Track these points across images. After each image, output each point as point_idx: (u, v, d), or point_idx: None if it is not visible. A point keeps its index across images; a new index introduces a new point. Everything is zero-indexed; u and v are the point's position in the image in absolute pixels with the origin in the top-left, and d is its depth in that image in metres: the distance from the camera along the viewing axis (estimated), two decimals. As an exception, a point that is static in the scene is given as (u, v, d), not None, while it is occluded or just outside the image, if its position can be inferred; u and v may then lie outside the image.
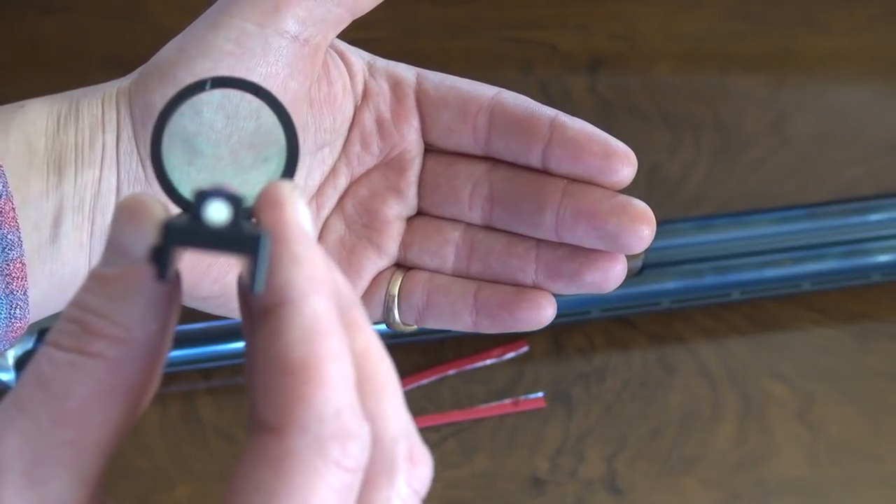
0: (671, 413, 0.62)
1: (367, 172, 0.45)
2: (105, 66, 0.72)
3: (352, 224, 0.44)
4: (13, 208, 0.38)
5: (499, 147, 0.43)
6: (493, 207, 0.43)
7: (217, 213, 0.26)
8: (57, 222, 0.40)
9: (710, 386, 0.63)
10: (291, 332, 0.26)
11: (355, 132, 0.44)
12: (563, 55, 0.74)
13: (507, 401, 0.62)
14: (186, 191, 0.29)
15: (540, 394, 0.63)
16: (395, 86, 0.44)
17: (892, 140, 0.72)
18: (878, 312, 0.66)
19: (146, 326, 0.27)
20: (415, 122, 0.44)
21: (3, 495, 0.26)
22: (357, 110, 0.44)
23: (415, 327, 0.45)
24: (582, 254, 0.42)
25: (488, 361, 0.64)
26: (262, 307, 0.27)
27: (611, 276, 0.42)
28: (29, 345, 0.58)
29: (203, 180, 0.39)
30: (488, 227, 0.44)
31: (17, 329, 0.40)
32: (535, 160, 0.42)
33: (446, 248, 0.44)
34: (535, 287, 0.43)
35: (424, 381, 0.63)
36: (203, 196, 0.26)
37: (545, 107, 0.42)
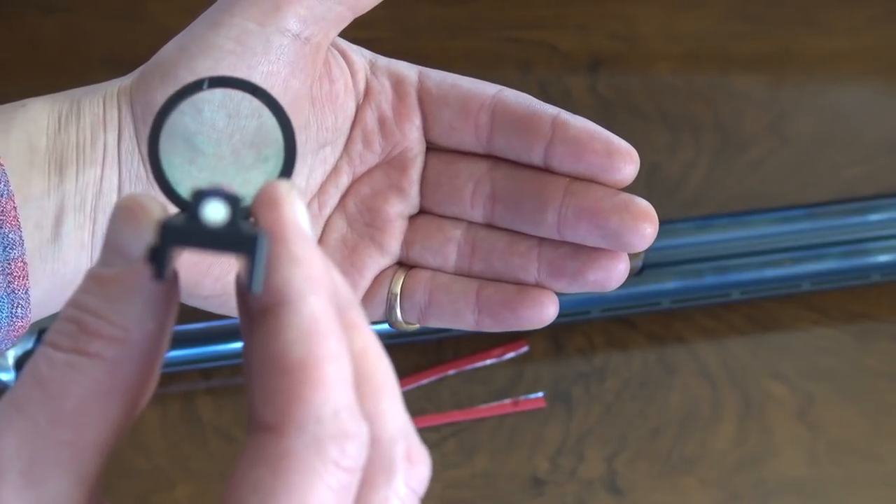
0: (671, 413, 0.62)
1: (369, 171, 0.45)
2: (105, 66, 0.72)
3: (354, 223, 0.44)
4: (14, 207, 0.38)
5: (501, 145, 0.43)
6: (495, 206, 0.43)
7: (215, 212, 0.26)
8: (58, 221, 0.40)
9: (710, 386, 0.63)
10: (290, 333, 0.26)
11: (357, 131, 0.44)
12: (563, 55, 0.74)
13: (507, 401, 0.62)
14: (187, 190, 0.29)
15: (540, 394, 0.63)
16: (397, 84, 0.44)
17: (892, 140, 0.72)
18: (878, 312, 0.66)
19: (144, 326, 0.27)
20: (417, 121, 0.44)
21: (2, 495, 0.26)
22: (359, 109, 0.44)
23: (417, 326, 0.45)
24: (584, 252, 0.42)
25: (488, 361, 0.64)
26: (260, 307, 0.27)
27: (613, 274, 0.42)
28: (29, 345, 0.58)
29: (204, 179, 0.39)
30: (490, 226, 0.44)
31: (19, 328, 0.40)
32: (537, 158, 0.42)
33: (448, 247, 0.44)
34: (538, 286, 0.43)
35: (424, 381, 0.63)
36: (201, 196, 0.26)
37: (547, 105, 0.42)
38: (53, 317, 0.41)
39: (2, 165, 0.38)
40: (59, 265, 0.40)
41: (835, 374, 0.64)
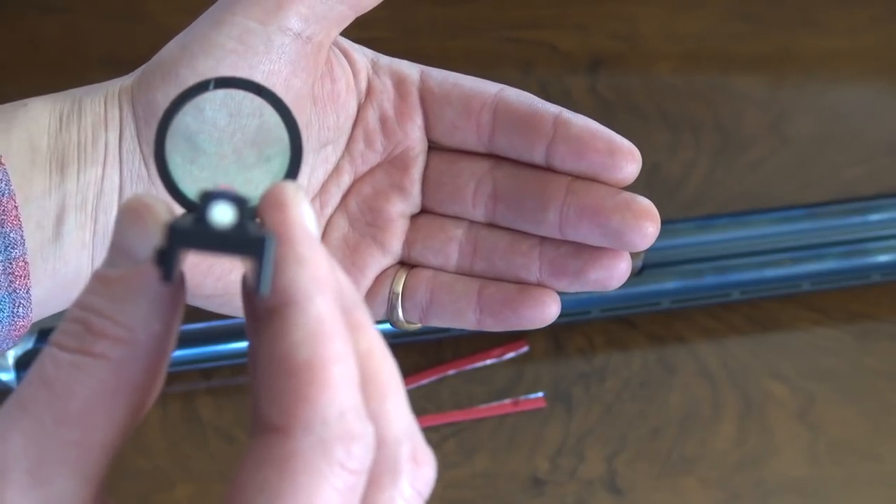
0: (671, 413, 0.62)
1: (371, 170, 0.45)
2: (105, 65, 0.72)
3: (355, 222, 0.44)
4: (16, 206, 0.38)
5: (502, 144, 0.43)
6: (496, 205, 0.43)
7: (222, 215, 0.26)
8: (59, 221, 0.40)
9: (710, 386, 0.63)
10: (296, 333, 0.26)
11: (359, 130, 0.44)
12: (563, 55, 0.74)
13: (507, 401, 0.62)
14: (189, 190, 0.29)
15: (540, 394, 0.63)
16: (399, 83, 0.44)
17: (892, 140, 0.72)
18: (878, 312, 0.66)
19: (150, 327, 0.27)
20: (418, 120, 0.44)
21: (9, 494, 0.26)
22: (361, 108, 0.44)
23: (418, 325, 0.45)
24: (586, 251, 0.42)
25: (488, 361, 0.64)
26: (266, 308, 0.27)
27: (615, 273, 0.42)
28: (29, 345, 0.58)
29: (206, 179, 0.39)
30: (492, 225, 0.44)
31: (20, 328, 0.39)
32: (538, 157, 0.42)
33: (450, 246, 0.44)
34: (539, 285, 0.43)
35: (424, 381, 0.63)
36: (208, 197, 0.26)
37: (548, 104, 0.42)
38: (54, 316, 0.41)
39: (3, 165, 0.38)
40: (61, 265, 0.40)
41: (835, 374, 0.64)
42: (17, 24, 0.74)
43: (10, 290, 0.38)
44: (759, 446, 0.62)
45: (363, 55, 0.44)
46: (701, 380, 0.63)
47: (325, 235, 0.44)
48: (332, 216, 0.44)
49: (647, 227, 0.40)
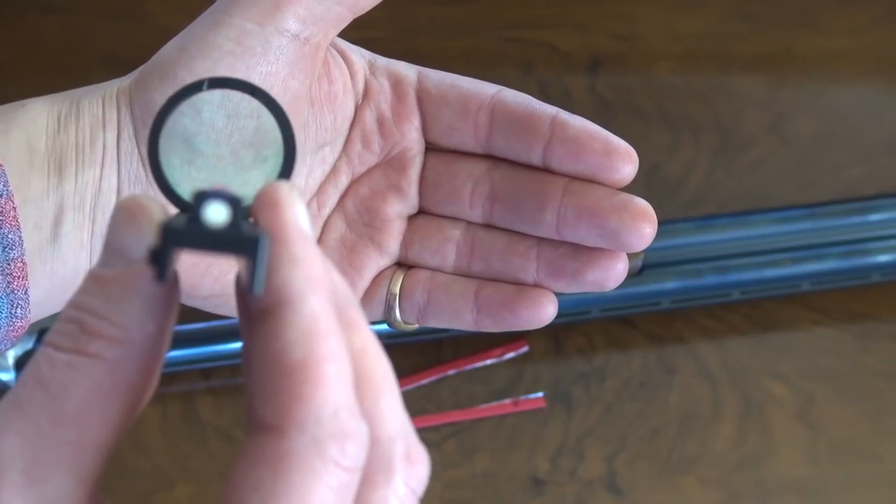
0: (671, 413, 0.62)
1: (368, 171, 0.45)
2: (105, 66, 0.72)
3: (353, 223, 0.44)
4: (14, 207, 0.38)
5: (500, 145, 0.43)
6: (493, 206, 0.43)
7: (216, 214, 0.26)
8: (58, 222, 0.40)
9: (710, 386, 0.63)
10: (290, 333, 0.26)
11: (356, 131, 0.44)
12: (563, 55, 0.74)
13: (507, 401, 0.62)
14: (186, 191, 0.29)
15: (540, 394, 0.63)
16: (396, 84, 0.44)
17: (892, 140, 0.72)
18: (878, 312, 0.66)
19: (144, 327, 0.27)
20: (416, 121, 0.44)
21: (4, 494, 0.26)
22: (358, 109, 0.44)
23: (416, 326, 0.45)
24: (583, 252, 0.42)
25: (488, 361, 0.64)
26: (260, 308, 0.27)
27: (612, 274, 0.42)
28: (28, 345, 0.58)
29: (203, 180, 0.39)
30: (489, 226, 0.44)
31: (18, 328, 0.40)
32: (535, 158, 0.42)
33: (447, 247, 0.44)
34: (537, 286, 0.43)
35: (424, 381, 0.63)
36: (202, 197, 0.26)
37: (546, 105, 0.42)
38: (53, 317, 0.41)
39: (1, 166, 0.38)
40: (59, 265, 0.40)
41: (835, 374, 0.64)
42: (17, 24, 0.74)
43: (9, 290, 0.38)
44: (758, 446, 0.61)
45: (360, 56, 0.44)
46: (701, 380, 0.63)
47: (322, 236, 0.44)
48: (329, 217, 0.44)
49: (644, 228, 0.41)
